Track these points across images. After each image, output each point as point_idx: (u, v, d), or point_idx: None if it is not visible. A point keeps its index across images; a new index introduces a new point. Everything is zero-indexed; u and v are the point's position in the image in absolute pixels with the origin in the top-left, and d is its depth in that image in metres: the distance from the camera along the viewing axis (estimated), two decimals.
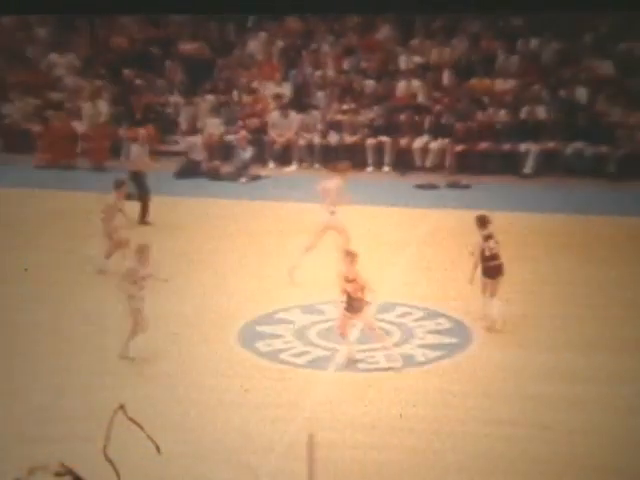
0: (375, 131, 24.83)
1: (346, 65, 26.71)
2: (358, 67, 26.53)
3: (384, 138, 24.53)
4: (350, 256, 12.84)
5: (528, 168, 23.56)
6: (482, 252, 13.92)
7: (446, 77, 25.74)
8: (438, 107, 24.98)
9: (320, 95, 26.08)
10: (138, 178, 19.66)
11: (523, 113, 24.47)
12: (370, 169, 24.45)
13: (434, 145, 24.19)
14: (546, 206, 20.76)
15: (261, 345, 13.78)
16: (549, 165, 23.39)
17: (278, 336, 14.13)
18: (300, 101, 25.99)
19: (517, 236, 17.63)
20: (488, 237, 14.00)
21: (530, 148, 23.69)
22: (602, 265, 16.66)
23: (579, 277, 16.23)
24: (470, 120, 24.32)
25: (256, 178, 23.77)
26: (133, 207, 18.40)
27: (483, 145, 23.82)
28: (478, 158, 23.86)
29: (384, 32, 27.13)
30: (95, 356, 13.39)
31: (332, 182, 16.17)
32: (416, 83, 25.68)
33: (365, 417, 11.48)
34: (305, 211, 17.95)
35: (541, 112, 24.39)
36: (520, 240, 17.57)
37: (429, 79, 25.70)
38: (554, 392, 12.14)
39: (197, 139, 25.12)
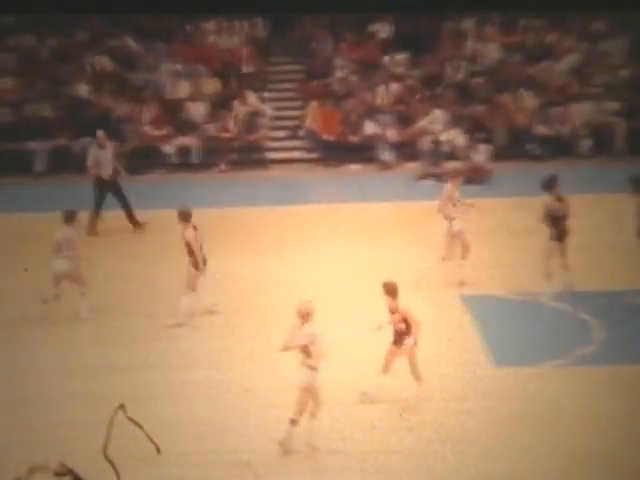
0: None
1: None
2: None
3: None
4: (390, 286, 11.95)
5: (39, 166, 23.27)
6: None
7: None
8: None
9: None
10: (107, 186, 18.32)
11: (27, 111, 24.06)
12: None
13: None
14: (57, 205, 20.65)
15: None
16: (62, 162, 23.22)
17: None
18: None
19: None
20: (195, 228, 14.61)
21: (38, 146, 23.38)
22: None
23: None
24: None
25: None
26: None
27: None
28: None
29: None
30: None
31: (447, 189, 15.80)
32: None
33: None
34: None
35: (45, 109, 24.15)
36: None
37: None
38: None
39: None
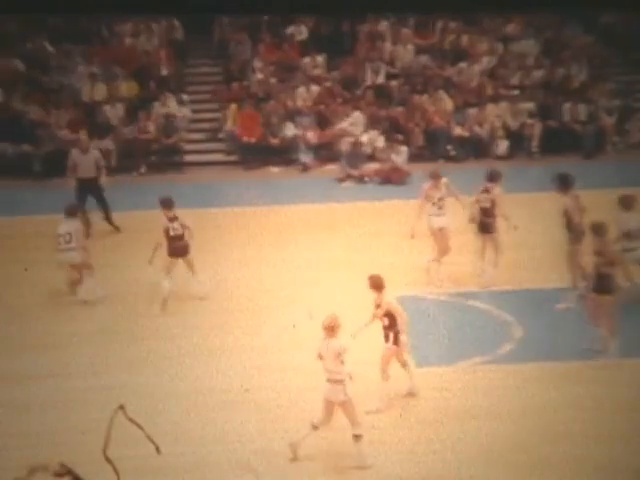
0: None
1: None
2: None
3: None
4: (375, 280, 11.62)
5: None
6: (167, 232, 14.84)
7: None
8: None
9: None
10: (89, 188, 18.32)
11: None
12: None
13: None
14: None
15: None
16: None
17: None
18: None
19: None
20: (173, 219, 14.95)
21: None
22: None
23: None
24: None
25: None
26: None
27: None
28: None
29: None
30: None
31: (425, 188, 15.77)
32: None
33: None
34: None
35: None
36: None
37: None
38: None
39: None
